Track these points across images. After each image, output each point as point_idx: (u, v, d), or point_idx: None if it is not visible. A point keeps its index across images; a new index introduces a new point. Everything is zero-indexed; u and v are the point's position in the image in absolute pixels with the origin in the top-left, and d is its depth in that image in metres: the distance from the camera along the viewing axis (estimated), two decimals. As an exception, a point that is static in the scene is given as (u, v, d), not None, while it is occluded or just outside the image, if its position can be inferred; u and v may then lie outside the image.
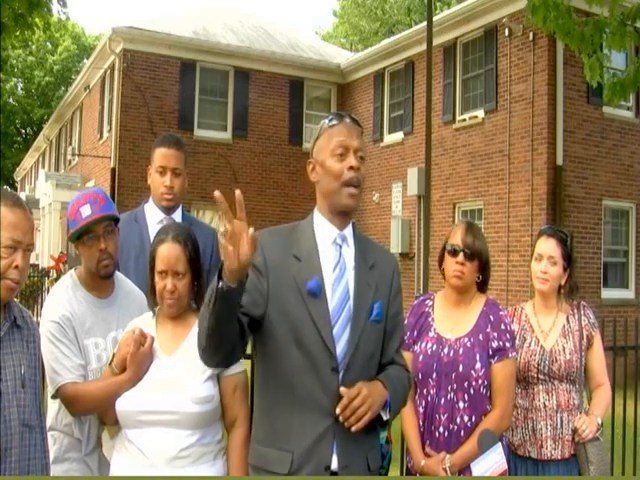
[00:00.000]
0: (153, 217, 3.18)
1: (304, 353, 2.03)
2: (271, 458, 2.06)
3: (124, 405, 2.26)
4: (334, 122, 2.13)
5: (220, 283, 1.80)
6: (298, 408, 2.03)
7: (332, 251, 2.14)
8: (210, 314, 1.86)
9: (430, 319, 2.74)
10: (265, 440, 2.09)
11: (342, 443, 2.04)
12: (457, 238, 2.67)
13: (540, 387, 2.89)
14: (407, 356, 2.67)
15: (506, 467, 2.48)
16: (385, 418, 2.08)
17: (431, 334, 2.69)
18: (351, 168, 2.07)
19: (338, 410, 1.95)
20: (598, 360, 2.98)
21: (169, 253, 2.32)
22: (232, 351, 2.01)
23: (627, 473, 4.60)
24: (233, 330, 1.93)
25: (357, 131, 2.15)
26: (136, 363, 2.28)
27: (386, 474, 2.47)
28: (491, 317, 2.66)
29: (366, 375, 2.08)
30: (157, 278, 2.33)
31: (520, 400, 2.92)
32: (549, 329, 2.95)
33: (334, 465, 2.03)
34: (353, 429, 1.96)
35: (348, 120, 2.14)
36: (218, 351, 1.98)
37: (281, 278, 2.06)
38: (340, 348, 2.05)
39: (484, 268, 2.71)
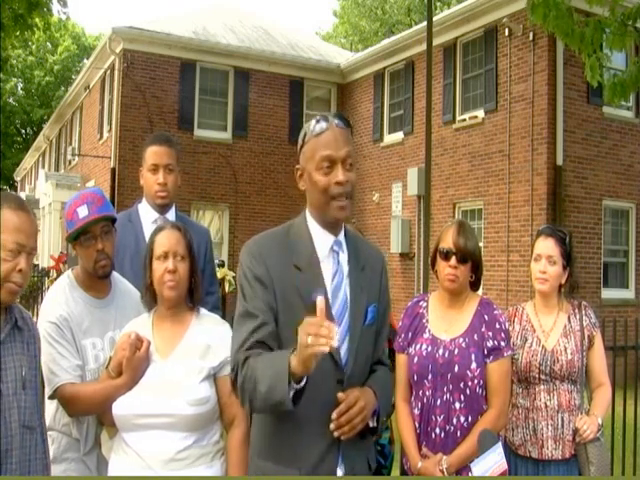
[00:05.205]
0: (147, 217, 3.17)
1: None
2: (274, 474, 2.00)
3: (120, 409, 2.26)
4: (320, 129, 2.01)
5: (293, 390, 1.80)
6: (303, 422, 1.98)
7: (330, 259, 2.08)
8: (276, 409, 1.87)
9: (424, 320, 2.72)
10: (268, 455, 2.03)
11: (347, 453, 2.02)
12: (449, 240, 2.64)
13: (541, 387, 2.88)
14: (402, 358, 2.67)
15: (506, 467, 2.47)
16: (372, 425, 2.05)
17: (426, 335, 2.67)
18: (338, 183, 1.99)
19: (334, 415, 1.91)
20: (599, 360, 2.97)
21: (169, 237, 2.35)
22: None
23: (627, 473, 4.59)
24: None
25: (345, 136, 2.03)
26: (132, 367, 2.27)
27: (389, 474, 2.47)
28: (486, 316, 2.65)
29: (362, 381, 2.06)
30: (156, 264, 2.32)
31: (521, 400, 2.91)
32: (550, 329, 2.94)
33: (340, 474, 2.02)
34: (343, 437, 1.93)
35: (335, 122, 2.03)
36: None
37: (285, 290, 2.00)
38: (342, 358, 2.02)
39: (477, 267, 2.70)
